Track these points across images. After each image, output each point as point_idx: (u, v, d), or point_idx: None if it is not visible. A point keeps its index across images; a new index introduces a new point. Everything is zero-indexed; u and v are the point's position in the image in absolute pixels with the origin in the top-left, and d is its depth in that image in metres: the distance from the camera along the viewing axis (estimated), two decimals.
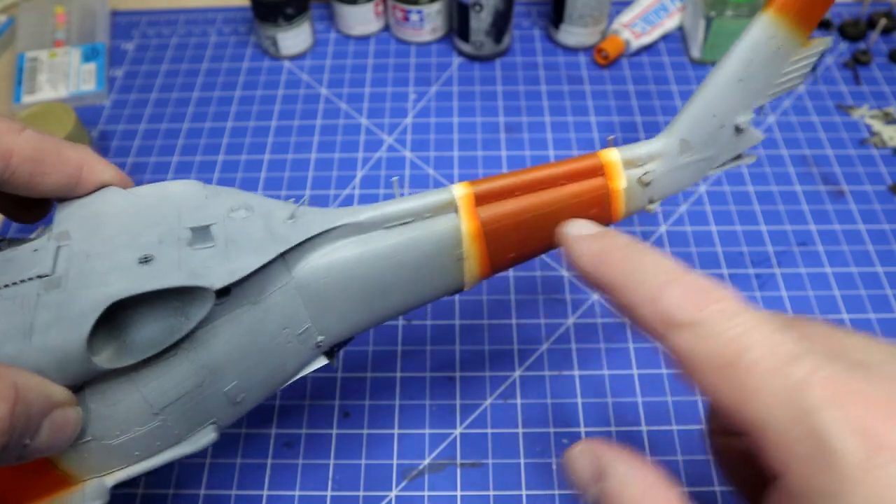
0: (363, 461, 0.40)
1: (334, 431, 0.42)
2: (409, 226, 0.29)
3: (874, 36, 0.61)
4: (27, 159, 0.27)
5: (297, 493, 0.39)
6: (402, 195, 0.30)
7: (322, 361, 0.31)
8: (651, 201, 0.32)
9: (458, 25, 0.61)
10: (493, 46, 0.61)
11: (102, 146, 0.57)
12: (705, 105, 0.31)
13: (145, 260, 0.26)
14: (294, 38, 0.62)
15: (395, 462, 0.40)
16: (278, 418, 0.42)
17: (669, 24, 0.63)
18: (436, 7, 0.61)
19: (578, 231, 0.25)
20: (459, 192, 0.29)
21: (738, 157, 0.33)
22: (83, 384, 0.25)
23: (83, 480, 0.27)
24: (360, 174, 0.54)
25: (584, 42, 0.62)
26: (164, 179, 0.54)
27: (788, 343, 0.19)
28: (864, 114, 0.57)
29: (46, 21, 0.65)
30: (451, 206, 0.29)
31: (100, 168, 0.29)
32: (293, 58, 0.63)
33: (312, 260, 0.28)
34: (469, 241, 0.30)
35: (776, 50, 0.30)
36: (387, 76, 0.62)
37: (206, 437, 0.28)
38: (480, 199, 0.30)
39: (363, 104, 0.59)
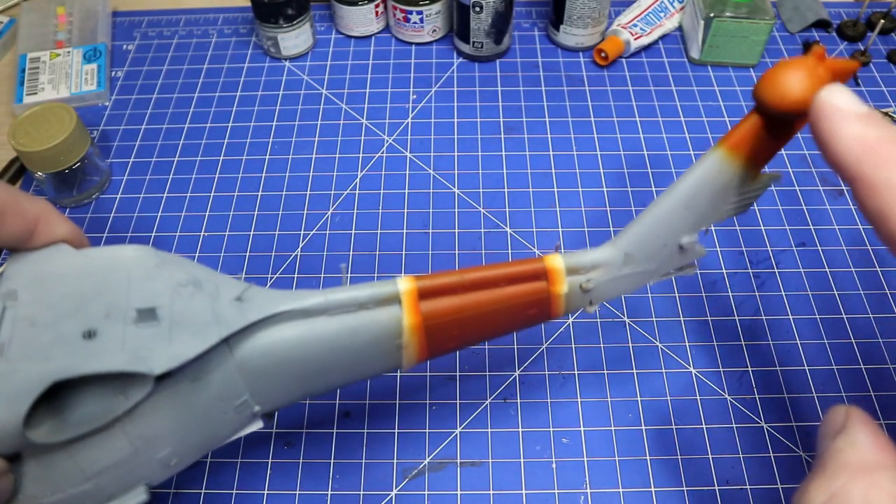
0: (363, 460, 0.40)
1: (335, 430, 0.42)
2: (352, 314, 0.30)
3: (873, 37, 0.61)
4: None
5: (297, 492, 0.39)
6: (349, 280, 0.31)
7: (258, 425, 0.31)
8: (590, 303, 0.34)
9: (458, 26, 0.61)
10: (493, 47, 0.61)
11: (104, 146, 0.57)
12: (651, 225, 0.32)
13: (89, 335, 0.26)
14: (295, 39, 0.62)
15: (395, 461, 0.40)
16: (279, 418, 0.42)
17: (669, 24, 0.63)
18: (436, 8, 0.61)
19: (843, 102, 0.20)
20: (404, 286, 0.30)
21: (681, 268, 0.35)
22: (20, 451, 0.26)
23: None
24: (360, 174, 0.54)
25: (584, 43, 0.62)
26: (164, 179, 0.54)
27: None
28: None
29: (48, 22, 0.65)
30: (394, 300, 0.30)
31: (57, 223, 0.29)
32: (294, 58, 0.63)
33: (255, 340, 0.29)
34: (409, 333, 0.30)
35: (725, 184, 0.31)
36: (387, 77, 0.62)
37: (136, 497, 0.28)
38: (423, 294, 0.30)
39: (363, 104, 0.60)
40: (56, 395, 0.25)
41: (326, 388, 0.32)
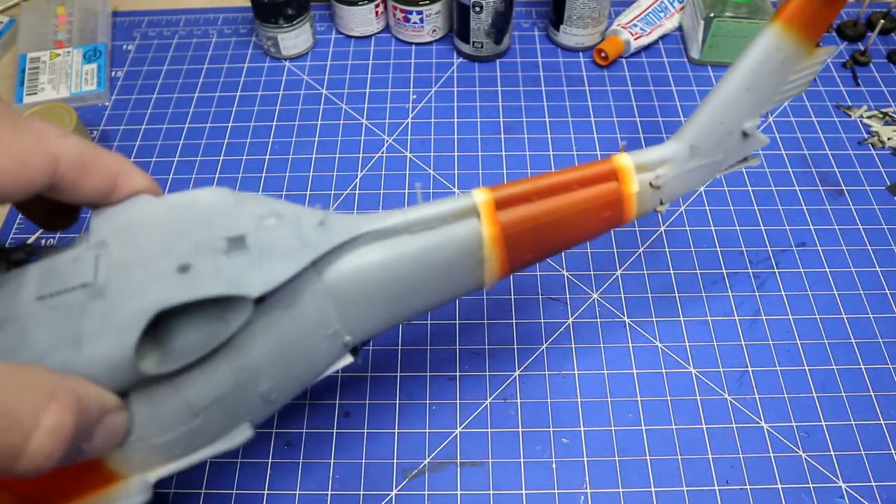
0: (363, 460, 0.40)
1: (335, 431, 0.42)
2: (433, 231, 0.30)
3: (873, 37, 0.61)
4: (73, 165, 0.27)
5: (297, 492, 0.39)
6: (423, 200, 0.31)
7: (349, 359, 0.32)
8: (661, 203, 0.34)
9: (458, 26, 0.61)
10: (493, 47, 0.61)
11: (104, 146, 0.57)
12: (714, 113, 0.32)
13: (183, 269, 0.26)
14: (295, 39, 0.62)
15: (395, 461, 0.40)
16: (278, 418, 0.42)
17: (669, 24, 0.63)
18: (436, 8, 0.61)
19: None
20: (480, 197, 0.30)
21: (745, 159, 0.35)
22: (128, 389, 0.26)
23: (127, 477, 0.28)
24: (360, 174, 0.54)
25: (584, 43, 0.62)
26: (164, 179, 0.54)
27: None
28: (863, 114, 0.57)
29: (48, 22, 0.65)
30: (472, 212, 0.30)
31: (135, 176, 0.29)
32: (294, 58, 0.63)
33: (341, 264, 0.29)
34: (490, 245, 0.31)
35: (783, 60, 0.31)
36: (387, 77, 0.62)
37: (242, 433, 0.29)
38: (500, 204, 0.31)
39: (363, 104, 0.60)
40: (159, 329, 0.26)
41: (412, 311, 0.32)
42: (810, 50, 0.31)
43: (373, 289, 0.30)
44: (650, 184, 0.32)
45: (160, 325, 0.26)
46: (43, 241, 0.50)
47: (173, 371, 0.26)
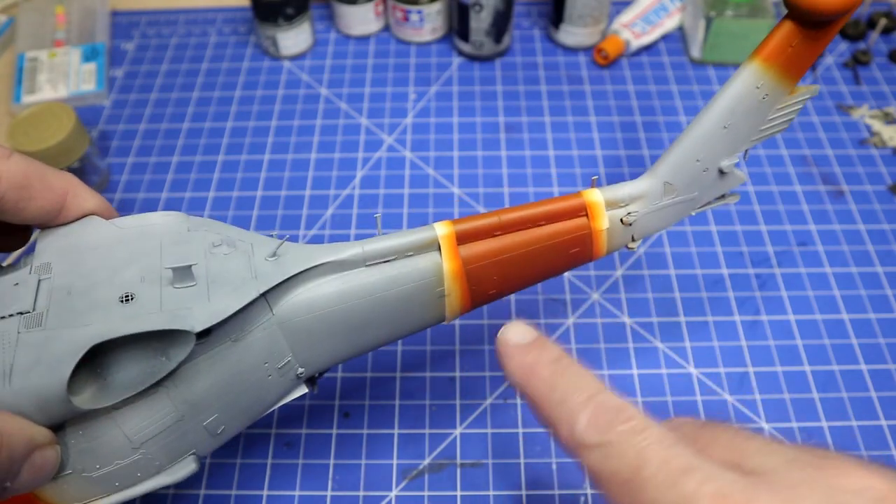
0: (363, 461, 0.40)
1: (334, 431, 0.42)
2: (391, 264, 0.29)
3: (874, 36, 0.61)
4: (15, 185, 0.27)
5: (297, 493, 0.39)
6: (383, 233, 0.30)
7: (303, 390, 0.31)
8: (633, 239, 0.33)
9: (458, 25, 0.60)
10: (493, 46, 0.61)
11: (102, 146, 0.57)
12: (690, 150, 0.31)
13: (126, 299, 0.26)
14: (294, 38, 0.62)
15: (395, 462, 0.40)
16: (278, 418, 0.42)
17: (669, 24, 0.63)
18: (436, 7, 0.61)
19: (514, 339, 0.25)
20: (441, 231, 0.30)
21: (722, 196, 0.34)
22: (64, 421, 0.26)
23: None
24: (359, 174, 0.54)
25: (584, 42, 0.62)
26: (163, 179, 0.54)
27: (682, 456, 0.20)
28: (864, 114, 0.57)
29: (46, 21, 0.65)
30: (432, 245, 0.30)
31: (85, 196, 0.29)
32: (293, 58, 0.63)
33: (294, 296, 0.29)
34: (450, 280, 0.30)
35: (762, 98, 0.30)
36: (387, 76, 0.62)
37: (186, 467, 0.28)
38: (462, 238, 0.30)
39: (363, 104, 0.59)
40: (98, 361, 0.25)
41: (370, 345, 0.31)
42: (791, 89, 0.30)
43: (326, 322, 0.29)
44: (621, 220, 0.32)
45: (98, 357, 0.25)
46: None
47: (111, 405, 0.25)
